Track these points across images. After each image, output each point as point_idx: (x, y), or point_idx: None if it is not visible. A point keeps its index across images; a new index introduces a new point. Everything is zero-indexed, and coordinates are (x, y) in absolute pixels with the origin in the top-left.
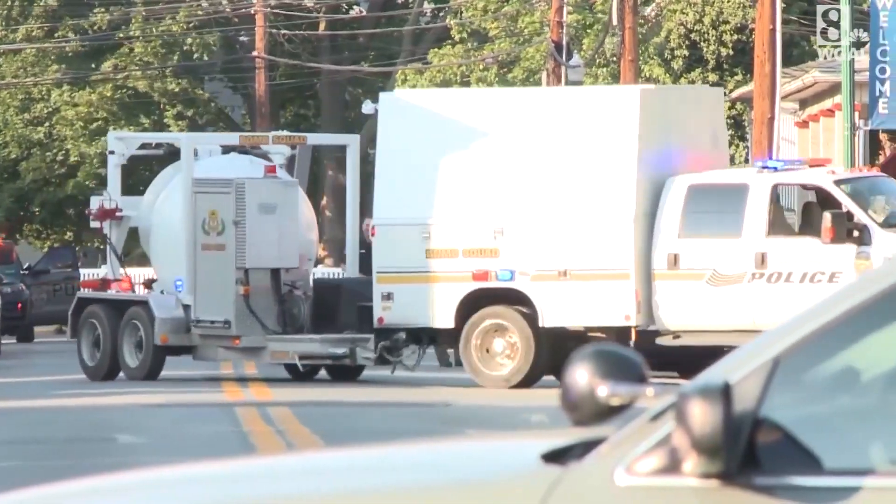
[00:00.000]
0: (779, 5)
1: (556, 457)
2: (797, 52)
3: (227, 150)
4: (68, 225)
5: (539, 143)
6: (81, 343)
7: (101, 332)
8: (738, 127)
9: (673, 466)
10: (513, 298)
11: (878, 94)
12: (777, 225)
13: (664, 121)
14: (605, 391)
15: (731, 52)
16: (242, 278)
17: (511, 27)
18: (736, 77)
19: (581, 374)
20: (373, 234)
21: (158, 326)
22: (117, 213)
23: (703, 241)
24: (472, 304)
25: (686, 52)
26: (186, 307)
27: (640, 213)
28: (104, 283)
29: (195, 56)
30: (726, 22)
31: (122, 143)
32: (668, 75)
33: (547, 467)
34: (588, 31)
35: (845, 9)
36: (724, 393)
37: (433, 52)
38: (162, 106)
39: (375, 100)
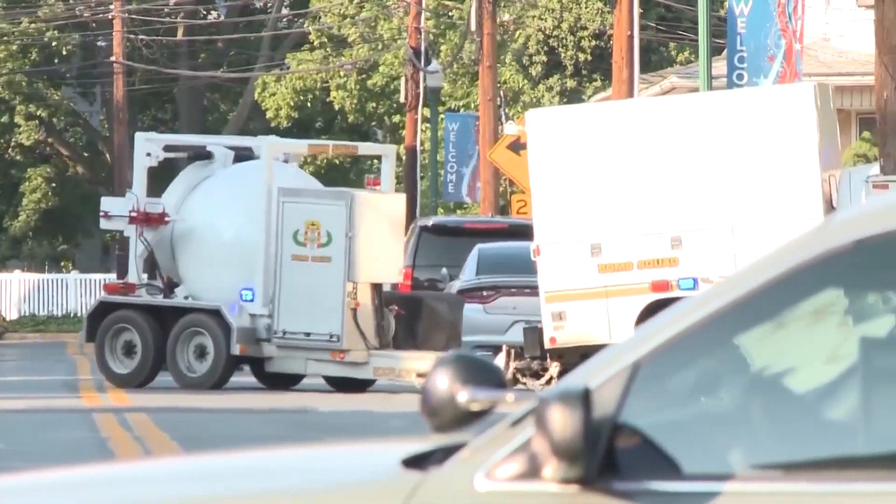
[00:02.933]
0: (636, 11)
1: (417, 462)
2: (655, 58)
3: (184, 153)
4: None
5: (706, 147)
6: (105, 349)
7: (141, 339)
8: None
9: (533, 472)
10: None
11: None
12: None
13: (826, 117)
14: (464, 396)
15: (590, 58)
16: (352, 292)
17: (370, 33)
18: (594, 83)
19: (441, 380)
20: (537, 255)
21: (238, 336)
22: (166, 219)
23: None
24: (651, 316)
25: (544, 58)
26: (252, 317)
27: (825, 210)
28: (128, 288)
29: (56, 57)
30: (584, 28)
31: (153, 144)
32: (526, 81)
33: (407, 472)
34: (447, 37)
35: (702, 14)
36: (584, 398)
37: (291, 56)
38: (13, 106)
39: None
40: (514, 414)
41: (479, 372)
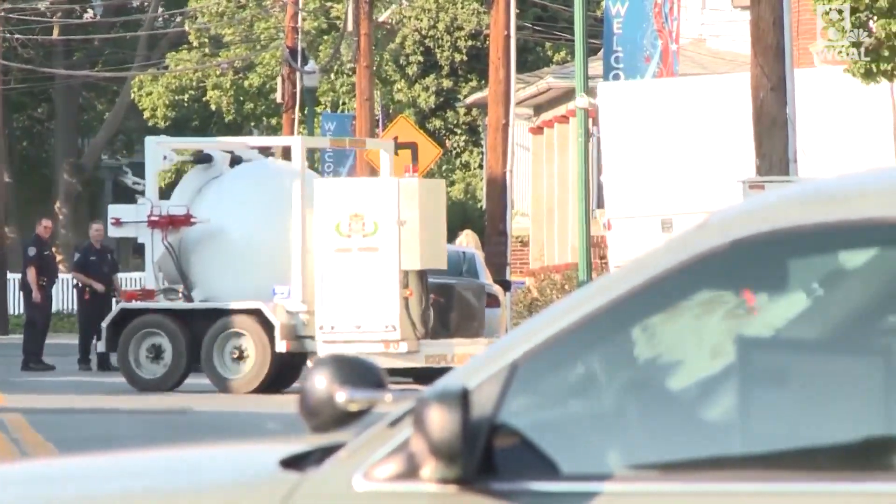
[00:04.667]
0: (513, 12)
1: (295, 463)
2: (532, 59)
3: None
4: None
5: None
6: (129, 355)
7: (171, 343)
8: (472, 133)
9: (411, 472)
10: None
11: None
12: None
13: None
14: (343, 397)
15: (466, 58)
16: (404, 280)
17: (247, 33)
18: (470, 83)
19: (319, 381)
20: (608, 229)
21: (283, 334)
22: (192, 220)
23: None
24: None
25: (421, 58)
26: (289, 314)
27: None
28: (146, 294)
29: None
30: (461, 28)
31: (164, 148)
32: (403, 81)
33: (285, 473)
34: (324, 37)
35: (578, 15)
36: (462, 398)
37: (171, 56)
38: None
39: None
40: (392, 414)
41: (357, 372)
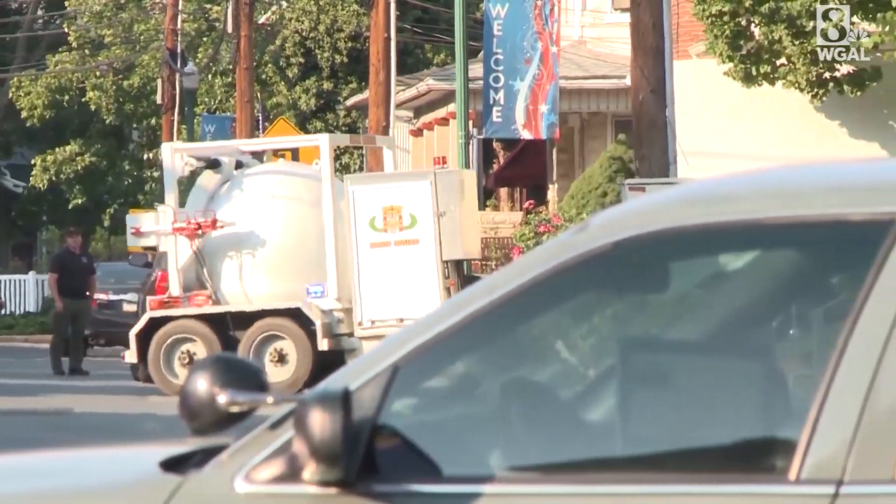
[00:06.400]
0: (393, 14)
1: (176, 465)
2: (412, 61)
3: None
4: None
5: None
6: (161, 364)
7: (206, 348)
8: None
9: (292, 474)
10: None
11: (491, 102)
12: None
13: None
14: (224, 399)
15: (346, 60)
16: (445, 271)
17: (127, 34)
18: (351, 85)
19: (200, 383)
20: None
21: (324, 332)
22: (219, 225)
23: None
24: None
25: (301, 60)
26: (324, 313)
27: None
28: (173, 301)
29: None
30: (341, 30)
31: (183, 153)
32: (283, 83)
33: (166, 475)
34: (204, 38)
35: (459, 17)
36: (344, 400)
37: (50, 58)
38: None
39: None
40: (274, 416)
41: (239, 374)
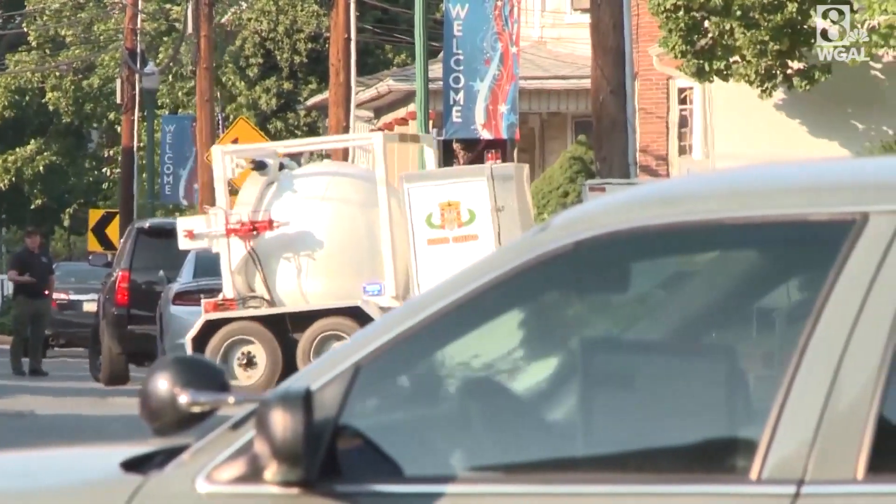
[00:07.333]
0: (353, 14)
1: (137, 465)
2: (372, 61)
3: None
4: None
5: None
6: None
7: (265, 350)
8: (313, 135)
9: (254, 474)
10: None
11: (451, 102)
12: None
13: None
14: (185, 399)
15: (306, 61)
16: None
17: (86, 34)
18: (311, 85)
19: (161, 383)
20: None
21: None
22: (274, 225)
23: None
24: None
25: (261, 60)
26: (382, 311)
27: None
28: (228, 303)
29: None
30: (300, 31)
31: (232, 155)
32: (243, 83)
33: (127, 476)
34: (164, 39)
35: (419, 17)
36: (305, 400)
37: (10, 57)
38: None
39: None
40: (235, 416)
41: (200, 374)
